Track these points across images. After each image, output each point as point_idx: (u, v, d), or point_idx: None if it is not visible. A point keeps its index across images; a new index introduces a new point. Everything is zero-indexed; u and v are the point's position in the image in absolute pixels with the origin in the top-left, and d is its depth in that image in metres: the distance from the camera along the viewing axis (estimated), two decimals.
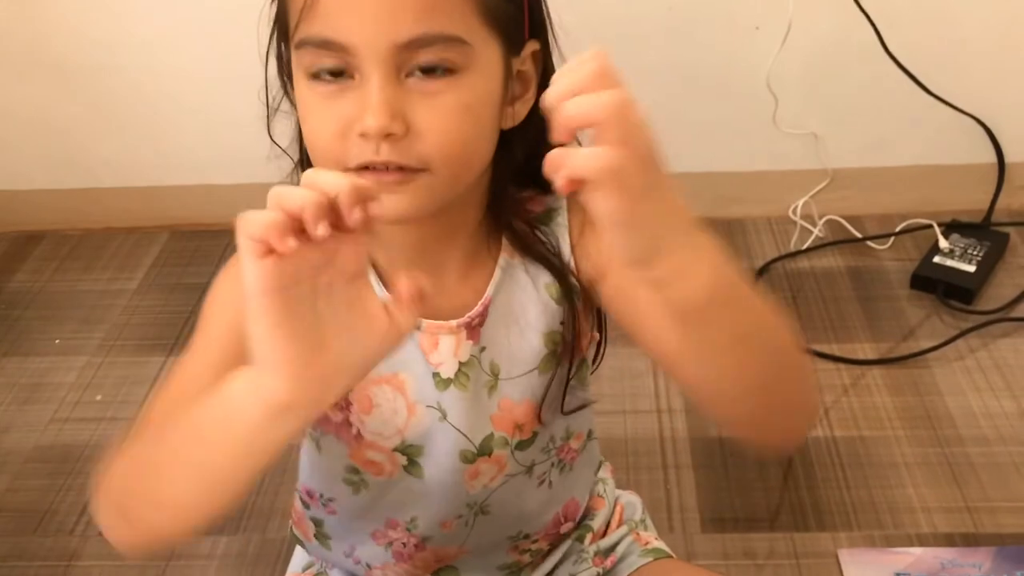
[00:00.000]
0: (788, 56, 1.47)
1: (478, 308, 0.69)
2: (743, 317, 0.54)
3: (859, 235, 1.60)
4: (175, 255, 1.72)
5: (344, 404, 0.71)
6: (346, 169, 0.59)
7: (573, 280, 0.70)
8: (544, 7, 0.69)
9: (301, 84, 0.61)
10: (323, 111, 0.60)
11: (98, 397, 1.41)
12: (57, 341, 1.53)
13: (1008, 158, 1.59)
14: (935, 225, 1.56)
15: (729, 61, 1.54)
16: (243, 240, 0.46)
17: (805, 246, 1.60)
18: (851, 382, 1.35)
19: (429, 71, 0.59)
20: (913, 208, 1.63)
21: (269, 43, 0.67)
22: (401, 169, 0.59)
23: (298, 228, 0.45)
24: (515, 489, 0.75)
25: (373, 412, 0.71)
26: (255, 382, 0.50)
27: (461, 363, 0.70)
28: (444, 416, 0.71)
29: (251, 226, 0.45)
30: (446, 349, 0.70)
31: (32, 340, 1.54)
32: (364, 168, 0.59)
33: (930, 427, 1.26)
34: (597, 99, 0.47)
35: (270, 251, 0.45)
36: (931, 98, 1.51)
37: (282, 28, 0.65)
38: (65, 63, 1.62)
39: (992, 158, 1.60)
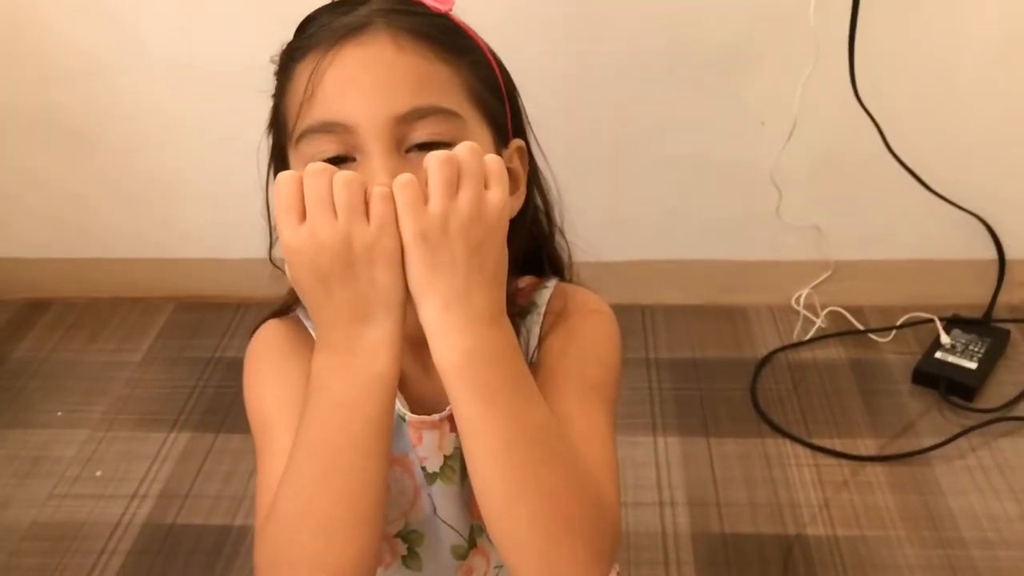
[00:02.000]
0: (793, 151, 1.50)
1: None
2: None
3: (861, 327, 1.61)
4: (180, 327, 1.73)
5: None
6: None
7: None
8: (523, 113, 0.73)
9: None
10: None
11: (98, 473, 1.41)
12: (59, 413, 1.53)
13: (1008, 254, 1.61)
14: (937, 320, 1.57)
15: (735, 153, 1.57)
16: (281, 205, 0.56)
17: (808, 337, 1.61)
18: (852, 478, 1.35)
19: (427, 148, 0.61)
20: (914, 301, 1.64)
21: (269, 169, 0.70)
22: None
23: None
24: None
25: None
26: (351, 367, 0.58)
27: (446, 456, 0.71)
28: (435, 509, 0.72)
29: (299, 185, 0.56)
30: (430, 443, 0.70)
31: (34, 412, 1.54)
32: None
33: (932, 528, 1.26)
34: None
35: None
36: (932, 195, 1.54)
37: (280, 144, 0.68)
38: (80, 134, 1.64)
39: (993, 254, 1.62)
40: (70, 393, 1.57)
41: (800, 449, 1.40)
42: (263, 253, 1.96)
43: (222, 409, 1.52)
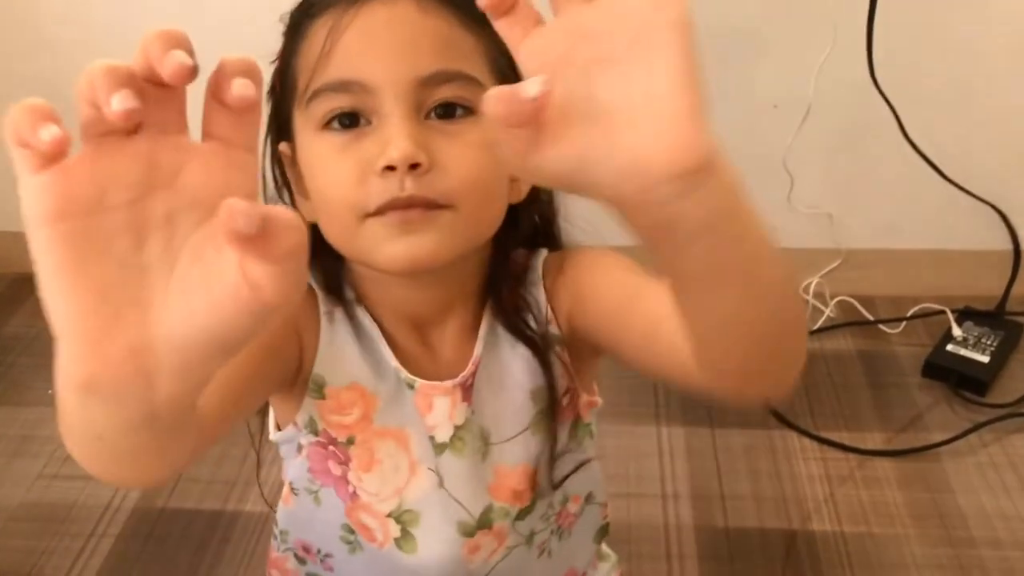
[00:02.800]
0: (806, 136, 1.46)
1: (470, 368, 0.68)
2: (752, 238, 0.44)
3: (871, 318, 1.58)
4: None
5: (344, 458, 0.69)
6: (367, 215, 0.58)
7: (552, 331, 0.68)
8: None
9: (311, 141, 0.60)
10: (339, 159, 0.58)
11: None
12: (50, 391, 1.48)
13: None
14: (948, 312, 1.54)
15: (746, 138, 1.52)
16: (13, 143, 0.34)
17: (816, 326, 1.58)
18: (861, 473, 1.32)
19: (447, 114, 0.58)
20: (926, 291, 1.61)
21: (266, 141, 0.66)
22: (426, 205, 0.57)
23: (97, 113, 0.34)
24: (516, 562, 0.73)
25: (374, 469, 0.69)
26: (57, 350, 0.36)
27: (457, 426, 0.68)
28: (441, 482, 0.69)
29: (14, 119, 0.33)
30: (441, 411, 0.68)
31: (25, 389, 1.51)
32: (387, 208, 0.57)
33: (941, 526, 1.23)
34: None
35: (50, 159, 0.34)
36: (947, 183, 1.50)
37: (283, 109, 0.63)
38: (74, 106, 1.60)
39: (1008, 245, 1.58)
40: None
41: (807, 442, 1.37)
42: None
43: None
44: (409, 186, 0.56)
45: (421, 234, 0.57)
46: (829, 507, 1.26)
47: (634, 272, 0.62)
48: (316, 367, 0.67)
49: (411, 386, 0.67)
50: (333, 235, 0.62)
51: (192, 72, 0.33)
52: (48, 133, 0.32)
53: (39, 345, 1.61)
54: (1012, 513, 1.24)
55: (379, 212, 0.57)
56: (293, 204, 0.67)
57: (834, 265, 1.62)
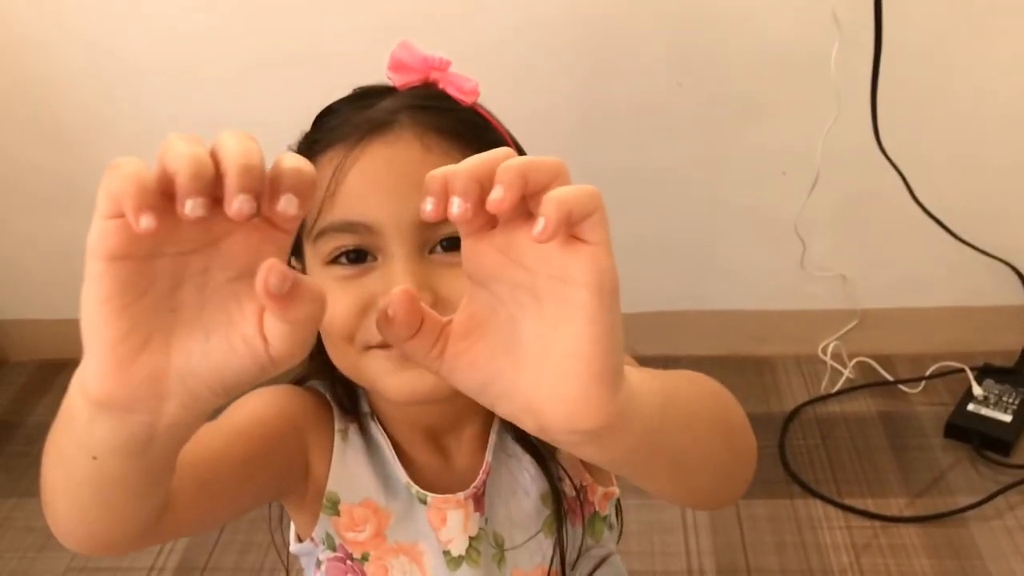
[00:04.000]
0: (816, 201, 1.47)
1: (481, 476, 0.69)
2: (670, 442, 0.47)
3: (890, 378, 1.58)
4: None
5: (360, 574, 0.70)
6: (368, 347, 0.59)
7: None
8: None
9: (318, 272, 0.61)
10: (343, 291, 0.59)
11: None
12: None
13: None
14: (968, 370, 1.53)
15: (756, 204, 1.54)
16: (101, 192, 0.38)
17: (836, 388, 1.57)
18: (886, 540, 1.31)
19: (452, 246, 0.59)
20: (944, 349, 1.61)
21: (289, 262, 0.67)
22: None
23: (169, 192, 0.36)
24: None
25: None
26: (81, 365, 0.40)
27: (471, 537, 0.69)
28: None
29: (113, 179, 0.37)
30: (455, 524, 0.68)
31: None
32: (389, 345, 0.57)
33: None
34: (587, 189, 0.38)
35: (123, 215, 0.36)
36: (959, 242, 1.50)
37: (297, 236, 0.64)
38: (93, 196, 1.63)
39: (1023, 300, 1.58)
40: None
41: (831, 510, 1.36)
42: None
43: None
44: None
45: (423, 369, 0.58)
46: None
47: None
48: (330, 484, 0.68)
49: (423, 501, 0.68)
50: (337, 361, 0.63)
51: (254, 214, 0.36)
52: (145, 222, 0.35)
53: None
54: None
55: (381, 346, 0.59)
56: None
57: (851, 326, 1.62)
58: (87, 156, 1.60)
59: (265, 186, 0.36)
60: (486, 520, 0.69)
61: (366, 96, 0.65)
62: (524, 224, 0.37)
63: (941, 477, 1.41)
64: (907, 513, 1.35)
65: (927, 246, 1.53)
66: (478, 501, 0.69)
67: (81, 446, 0.43)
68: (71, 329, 1.65)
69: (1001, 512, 1.33)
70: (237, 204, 0.35)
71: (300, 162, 0.37)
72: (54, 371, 1.77)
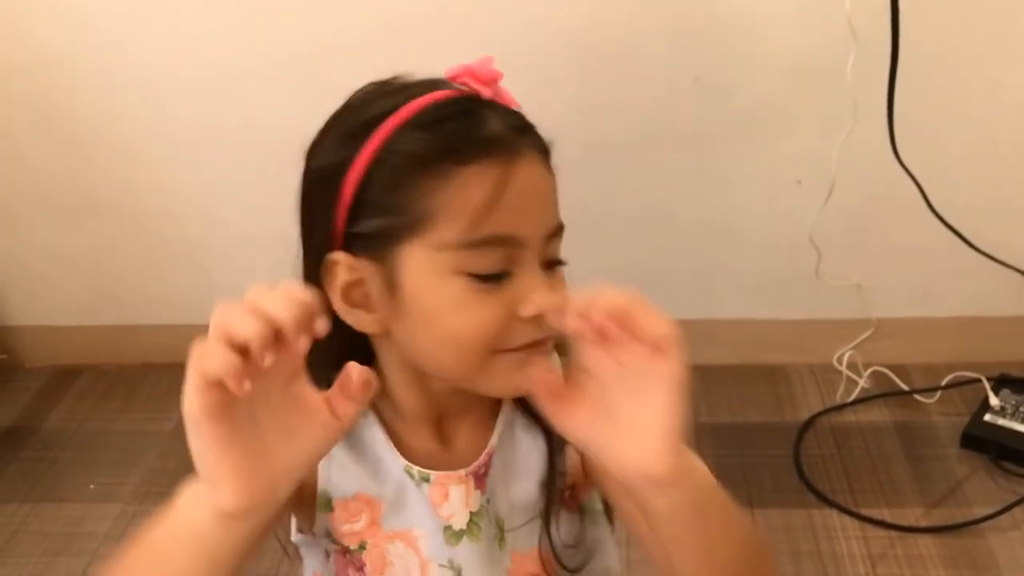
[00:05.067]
0: (831, 211, 1.47)
1: (483, 457, 0.71)
2: (715, 517, 0.61)
3: (906, 387, 1.57)
4: None
5: (359, 564, 0.72)
6: (504, 351, 0.63)
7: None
8: None
9: (440, 280, 0.61)
10: (482, 303, 0.61)
11: None
12: (92, 486, 1.52)
13: None
14: (984, 380, 1.53)
15: (771, 213, 1.54)
16: (195, 375, 0.49)
17: (851, 398, 1.57)
18: (903, 550, 1.31)
19: (551, 266, 0.64)
20: (960, 358, 1.60)
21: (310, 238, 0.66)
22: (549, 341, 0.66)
23: (244, 353, 0.48)
24: None
25: (386, 572, 0.71)
26: (204, 494, 0.52)
27: (472, 512, 0.71)
28: (459, 574, 0.71)
29: (207, 365, 0.48)
30: (457, 499, 0.70)
31: (67, 485, 1.53)
32: (527, 346, 0.63)
33: None
34: (673, 326, 0.53)
35: (220, 385, 0.48)
36: (975, 251, 1.50)
37: (387, 234, 0.62)
38: (111, 207, 1.65)
39: None
40: (103, 465, 1.56)
41: (847, 520, 1.36)
42: None
43: None
44: (547, 326, 0.60)
45: (535, 364, 0.62)
46: None
47: None
48: (320, 484, 0.70)
49: (426, 480, 0.70)
50: (446, 363, 0.64)
51: None
52: (245, 387, 0.48)
53: (80, 439, 1.63)
54: None
55: (512, 349, 0.63)
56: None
57: (866, 335, 1.61)
58: (103, 165, 1.61)
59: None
60: (487, 500, 0.71)
61: (456, 105, 0.63)
62: (629, 342, 0.53)
63: (957, 487, 1.40)
64: (923, 523, 1.34)
65: (943, 255, 1.53)
66: (479, 480, 0.71)
67: (200, 545, 0.54)
68: (85, 335, 1.68)
69: (1019, 523, 1.33)
70: (298, 345, 0.50)
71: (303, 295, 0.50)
72: (69, 377, 1.78)
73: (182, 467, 1.61)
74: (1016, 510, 1.34)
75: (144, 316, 1.77)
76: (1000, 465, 1.41)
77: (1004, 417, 1.46)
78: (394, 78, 0.67)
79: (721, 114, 1.47)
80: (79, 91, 1.54)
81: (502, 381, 0.64)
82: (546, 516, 0.72)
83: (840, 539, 1.33)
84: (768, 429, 1.53)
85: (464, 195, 0.60)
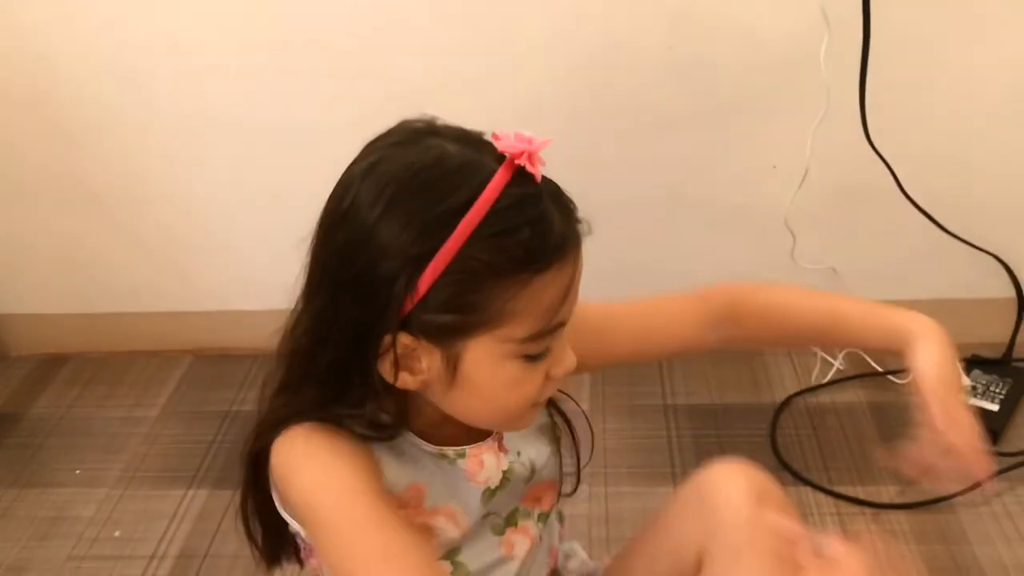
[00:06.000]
0: (806, 195, 1.49)
1: (495, 433, 0.82)
2: None
3: (880, 369, 1.60)
4: (197, 380, 1.73)
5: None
6: (534, 405, 0.74)
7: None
8: None
9: (499, 362, 0.69)
10: (532, 371, 0.71)
11: (116, 533, 1.41)
12: (77, 472, 1.53)
13: None
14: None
15: (748, 198, 1.56)
16: None
17: (827, 379, 1.60)
18: (876, 526, 1.34)
19: None
20: None
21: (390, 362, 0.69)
22: None
23: None
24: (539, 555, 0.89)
25: (432, 540, 0.80)
26: None
27: (504, 471, 0.81)
28: (486, 515, 0.83)
29: None
30: (491, 464, 0.81)
31: (53, 471, 1.54)
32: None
33: None
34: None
35: None
36: (948, 235, 1.53)
37: (464, 329, 0.67)
38: (98, 196, 1.66)
39: (1011, 292, 1.61)
40: (88, 450, 1.58)
41: (822, 497, 1.38)
42: (279, 304, 1.97)
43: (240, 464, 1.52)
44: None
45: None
46: None
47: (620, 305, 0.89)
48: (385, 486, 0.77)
49: (462, 455, 0.79)
50: (486, 421, 0.77)
51: None
52: None
53: (66, 425, 1.65)
54: None
55: (537, 403, 0.75)
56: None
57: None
58: (89, 154, 1.62)
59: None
60: (517, 453, 0.82)
61: (536, 207, 0.67)
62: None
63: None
64: (897, 500, 1.37)
65: (916, 239, 1.55)
66: (500, 445, 0.82)
67: None
68: (71, 323, 1.70)
69: (988, 498, 1.36)
70: None
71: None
72: (55, 364, 1.79)
73: (168, 451, 1.64)
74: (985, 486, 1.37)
75: (129, 304, 1.78)
76: None
77: (976, 397, 1.49)
78: (437, 127, 0.71)
79: (696, 100, 1.49)
80: (66, 80, 1.55)
81: (524, 422, 0.77)
82: (559, 454, 0.87)
83: (815, 516, 1.36)
84: (745, 410, 1.56)
85: (539, 299, 0.67)
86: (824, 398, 1.58)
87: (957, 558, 1.27)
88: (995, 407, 1.47)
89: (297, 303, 0.73)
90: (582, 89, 1.49)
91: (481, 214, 0.64)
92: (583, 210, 0.71)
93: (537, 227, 0.66)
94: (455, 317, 0.66)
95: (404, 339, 0.67)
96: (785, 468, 1.43)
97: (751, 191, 1.55)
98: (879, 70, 1.38)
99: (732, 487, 0.84)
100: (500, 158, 0.67)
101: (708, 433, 1.51)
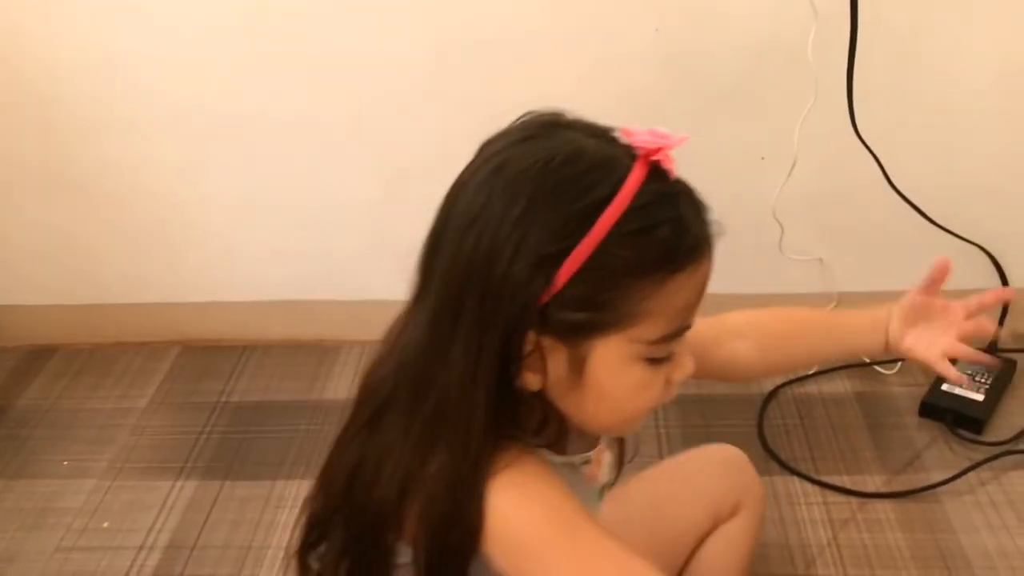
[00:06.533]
0: (794, 187, 1.50)
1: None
2: None
3: (867, 359, 1.61)
4: (185, 371, 1.73)
5: None
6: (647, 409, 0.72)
7: None
8: None
9: (628, 366, 0.67)
10: (653, 383, 0.69)
11: (105, 524, 1.41)
12: (65, 463, 1.53)
13: (1012, 283, 1.61)
14: None
15: (736, 189, 1.56)
16: None
17: (813, 370, 1.61)
18: (862, 515, 1.35)
19: None
20: None
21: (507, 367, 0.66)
22: None
23: None
24: None
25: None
26: None
27: (610, 464, 0.84)
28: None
29: None
30: (606, 462, 0.83)
31: (41, 462, 1.54)
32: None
33: (943, 567, 1.25)
34: None
35: None
36: (934, 226, 1.54)
37: (590, 328, 0.66)
38: (84, 187, 1.65)
39: (996, 283, 1.62)
40: (76, 441, 1.58)
41: (808, 486, 1.39)
42: (267, 295, 1.98)
43: (228, 455, 1.52)
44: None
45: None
46: (832, 551, 1.29)
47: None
48: None
49: (587, 461, 0.79)
50: (605, 425, 0.75)
51: None
52: None
53: (54, 417, 1.64)
54: (1012, 550, 1.26)
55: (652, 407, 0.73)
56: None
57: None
58: (77, 145, 1.62)
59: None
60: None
61: (674, 206, 0.67)
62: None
63: (915, 455, 1.44)
64: (882, 489, 1.38)
65: (903, 230, 1.56)
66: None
67: None
68: (60, 314, 1.69)
69: (973, 487, 1.37)
70: None
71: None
72: (43, 355, 1.78)
73: (156, 443, 1.64)
74: (970, 475, 1.38)
75: (118, 295, 1.78)
76: (956, 432, 1.46)
77: (961, 386, 1.50)
78: (567, 120, 0.72)
79: (685, 91, 1.49)
80: (52, 71, 1.54)
81: (636, 427, 0.76)
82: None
83: (802, 506, 1.37)
84: (733, 400, 1.57)
85: (672, 299, 0.65)
86: (811, 388, 1.59)
87: (942, 546, 1.28)
88: (980, 397, 1.48)
89: (415, 332, 0.68)
90: (565, 81, 1.49)
91: (621, 210, 0.63)
92: None
93: (675, 226, 0.65)
94: (588, 315, 0.65)
95: (533, 337, 0.65)
96: (772, 458, 1.44)
97: (739, 182, 1.55)
98: (867, 61, 1.39)
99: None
100: (633, 154, 0.66)
101: (696, 423, 1.52)
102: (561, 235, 0.63)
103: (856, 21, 1.35)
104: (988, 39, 1.43)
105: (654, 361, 0.68)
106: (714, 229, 0.69)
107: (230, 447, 1.54)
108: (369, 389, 0.73)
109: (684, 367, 0.71)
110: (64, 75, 1.54)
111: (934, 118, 1.50)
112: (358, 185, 1.60)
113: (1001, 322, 1.62)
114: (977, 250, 1.58)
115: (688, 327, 0.69)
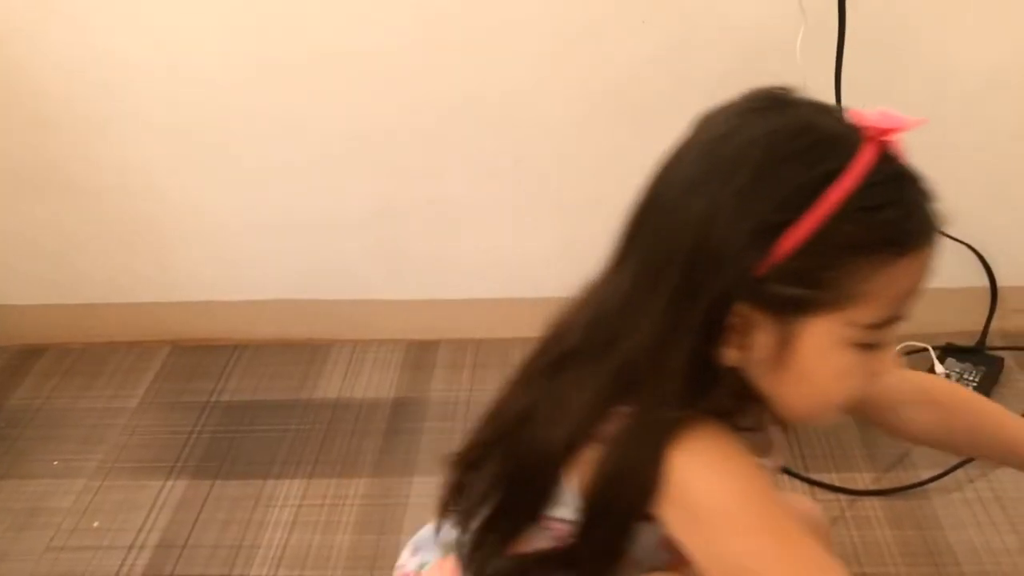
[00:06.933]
0: None
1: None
2: None
3: None
4: (175, 371, 1.73)
5: None
6: (846, 399, 0.69)
7: None
8: None
9: (835, 350, 0.66)
10: (858, 372, 0.67)
11: (95, 524, 1.40)
12: (56, 463, 1.53)
13: (1000, 282, 1.62)
14: (931, 349, 1.58)
15: None
16: None
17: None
18: (851, 513, 1.35)
19: None
20: (907, 329, 1.59)
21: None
22: None
23: None
24: None
25: None
26: None
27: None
28: None
29: None
30: (778, 442, 0.80)
31: (31, 462, 1.54)
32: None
33: (932, 564, 1.26)
34: None
35: None
36: None
37: (806, 306, 0.64)
38: (75, 185, 1.65)
39: (985, 282, 1.63)
40: (66, 441, 1.57)
41: (797, 483, 1.40)
42: (258, 295, 1.97)
43: (219, 454, 1.52)
44: None
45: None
46: None
47: None
48: None
49: (770, 443, 0.79)
50: (799, 411, 0.71)
51: None
52: None
53: (44, 416, 1.64)
54: (999, 547, 1.27)
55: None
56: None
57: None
58: (66, 143, 1.61)
59: None
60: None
61: (902, 189, 0.67)
62: None
63: (904, 452, 1.45)
64: (872, 487, 1.39)
65: None
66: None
67: None
68: (50, 314, 1.68)
69: (961, 485, 1.38)
70: None
71: None
72: (32, 356, 1.78)
73: (146, 442, 1.64)
74: (958, 472, 1.38)
75: (108, 295, 1.78)
76: None
77: None
78: (795, 97, 0.70)
79: (672, 91, 1.49)
80: (42, 68, 1.54)
81: (831, 417, 0.71)
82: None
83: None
84: None
85: (893, 284, 0.64)
86: None
87: (930, 543, 1.29)
88: None
89: (614, 290, 0.69)
90: (555, 78, 1.49)
91: (851, 186, 0.62)
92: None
93: (904, 208, 0.64)
94: (804, 291, 0.63)
95: (742, 309, 0.64)
96: None
97: None
98: (855, 61, 1.39)
99: None
100: (862, 135, 0.65)
101: None
102: (786, 205, 0.62)
103: (844, 21, 1.35)
104: (976, 37, 1.44)
105: (863, 348, 0.66)
106: (941, 218, 0.67)
107: (220, 446, 1.54)
108: (555, 338, 0.73)
109: (889, 360, 0.69)
110: (53, 73, 1.54)
111: (922, 116, 1.50)
112: (349, 186, 1.60)
113: (989, 320, 1.63)
114: (965, 249, 1.59)
115: (902, 317, 0.67)
